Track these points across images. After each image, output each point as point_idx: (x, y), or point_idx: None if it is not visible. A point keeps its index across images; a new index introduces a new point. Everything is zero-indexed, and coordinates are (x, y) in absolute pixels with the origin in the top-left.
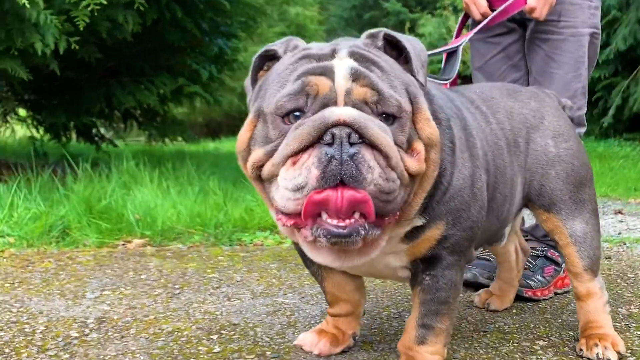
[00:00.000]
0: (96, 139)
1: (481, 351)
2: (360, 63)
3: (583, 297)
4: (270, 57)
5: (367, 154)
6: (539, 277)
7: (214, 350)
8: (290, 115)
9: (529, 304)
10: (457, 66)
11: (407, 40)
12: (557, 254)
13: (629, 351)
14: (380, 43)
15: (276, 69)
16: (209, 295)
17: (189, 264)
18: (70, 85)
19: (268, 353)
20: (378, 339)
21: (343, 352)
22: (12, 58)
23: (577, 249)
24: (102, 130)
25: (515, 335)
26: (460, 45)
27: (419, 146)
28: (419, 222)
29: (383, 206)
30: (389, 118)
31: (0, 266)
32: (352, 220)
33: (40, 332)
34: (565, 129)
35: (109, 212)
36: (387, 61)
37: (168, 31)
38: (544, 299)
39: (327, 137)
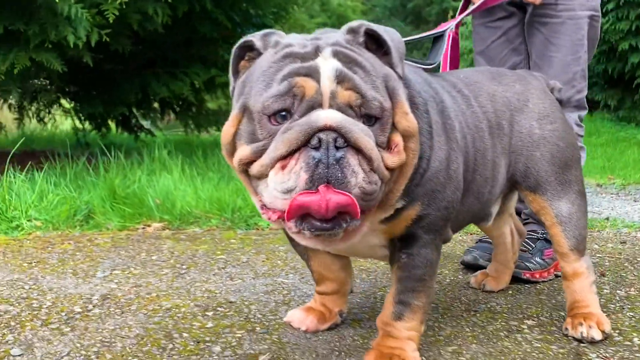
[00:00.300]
0: (135, 129)
1: (467, 329)
2: (344, 64)
3: (569, 277)
4: (250, 48)
5: (352, 159)
6: (538, 260)
7: (207, 326)
8: (277, 115)
9: (526, 285)
10: (443, 51)
11: (387, 33)
12: None
13: (617, 331)
14: (361, 39)
15: (260, 65)
16: (213, 275)
17: (201, 246)
18: (106, 76)
19: (258, 329)
20: (367, 317)
21: (330, 328)
22: (47, 51)
23: (563, 229)
24: (142, 121)
25: (505, 314)
26: (446, 30)
27: (396, 138)
28: (399, 204)
29: (365, 204)
30: (371, 119)
31: (23, 247)
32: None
33: (47, 308)
34: (551, 111)
35: (132, 197)
36: (369, 59)
37: (200, 23)
38: (543, 281)
39: (314, 142)
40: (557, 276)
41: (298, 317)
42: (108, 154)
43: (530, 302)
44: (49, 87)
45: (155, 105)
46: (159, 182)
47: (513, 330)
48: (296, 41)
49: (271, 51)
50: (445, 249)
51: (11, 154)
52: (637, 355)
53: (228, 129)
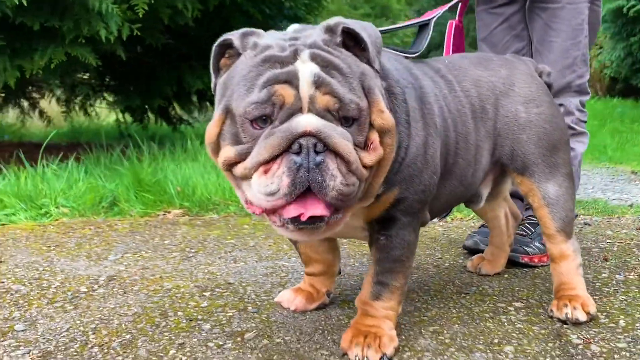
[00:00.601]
0: (174, 120)
1: (454, 310)
2: (322, 67)
3: (556, 259)
4: (229, 46)
5: (330, 163)
6: (537, 244)
7: (201, 305)
8: (258, 120)
9: (524, 269)
10: (427, 39)
11: (364, 30)
12: None
13: (605, 313)
14: (339, 39)
15: (240, 68)
16: (219, 258)
17: (213, 231)
18: (143, 70)
19: (250, 308)
20: (355, 297)
21: (318, 308)
22: (81, 46)
23: (550, 211)
24: (180, 113)
25: (494, 297)
26: (432, 18)
27: (372, 136)
28: (379, 191)
29: (343, 204)
30: (349, 120)
31: (46, 232)
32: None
33: (55, 287)
34: (537, 94)
35: (154, 185)
36: (346, 59)
37: (231, 16)
38: (542, 266)
39: (295, 147)
40: None
41: (287, 298)
42: (142, 144)
43: (523, 285)
44: (91, 81)
45: (193, 97)
46: (183, 171)
47: (499, 312)
48: (275, 42)
49: (250, 53)
50: (452, 235)
51: (43, 145)
52: (619, 337)
53: (212, 129)
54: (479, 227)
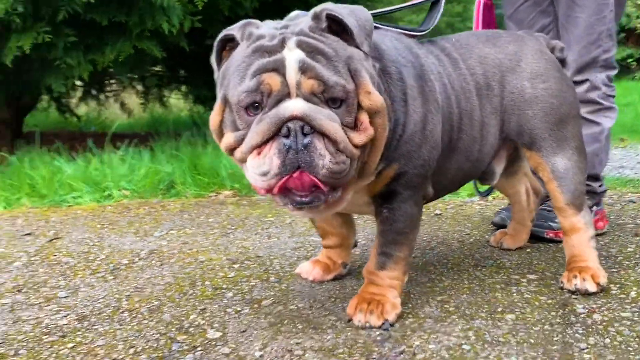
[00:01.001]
0: None
1: (466, 282)
2: (307, 53)
3: (567, 232)
4: (231, 40)
5: (318, 143)
6: None
7: (229, 276)
8: (250, 107)
9: (549, 244)
10: (438, 18)
11: (350, 15)
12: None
13: (618, 285)
14: (324, 24)
15: (235, 59)
16: (255, 234)
17: (256, 210)
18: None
19: (272, 278)
20: None
21: (335, 278)
22: (147, 39)
23: (558, 184)
24: None
25: (510, 269)
26: None
27: (362, 116)
28: (379, 168)
29: (336, 181)
30: (336, 102)
31: (104, 212)
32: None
33: (100, 260)
34: (545, 70)
35: (209, 169)
36: (332, 44)
37: (291, 4)
38: None
39: (284, 131)
40: None
41: (306, 269)
42: (206, 132)
43: (542, 259)
44: (162, 73)
45: None
46: None
47: (511, 283)
48: (267, 31)
49: (244, 44)
50: (487, 212)
51: (110, 134)
52: (626, 307)
53: (214, 117)
54: (508, 204)
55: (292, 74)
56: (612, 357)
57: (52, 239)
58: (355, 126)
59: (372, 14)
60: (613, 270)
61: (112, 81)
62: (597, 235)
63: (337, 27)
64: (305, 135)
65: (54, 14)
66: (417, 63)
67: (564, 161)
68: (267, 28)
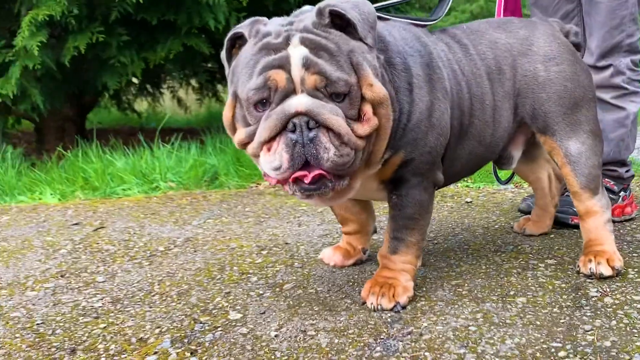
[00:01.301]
0: None
1: (483, 266)
2: (310, 50)
3: (583, 216)
4: (240, 37)
5: (323, 137)
6: None
7: (256, 261)
8: (259, 104)
9: (574, 230)
10: (448, 6)
11: (353, 9)
12: (611, 183)
13: (636, 269)
14: (327, 20)
15: (243, 57)
16: (286, 222)
17: (291, 200)
18: None
19: (296, 264)
20: None
21: (356, 263)
22: (196, 36)
23: (572, 169)
24: None
25: (530, 255)
26: None
27: (365, 107)
28: (386, 156)
29: (343, 172)
30: (339, 96)
31: (148, 203)
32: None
33: (138, 247)
34: (558, 53)
35: (251, 161)
36: (334, 39)
37: None
38: None
39: (290, 126)
40: (612, 221)
41: (328, 255)
42: None
43: (563, 244)
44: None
45: None
46: None
47: (528, 268)
48: (274, 29)
49: (252, 42)
50: (518, 200)
51: (159, 129)
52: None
53: (226, 113)
54: None
55: (297, 71)
56: (615, 339)
57: (97, 228)
58: (359, 117)
59: (381, 5)
60: (634, 254)
61: (168, 78)
62: (625, 220)
63: (340, 21)
64: (310, 129)
65: (107, 15)
66: (425, 52)
67: (577, 145)
68: (274, 25)
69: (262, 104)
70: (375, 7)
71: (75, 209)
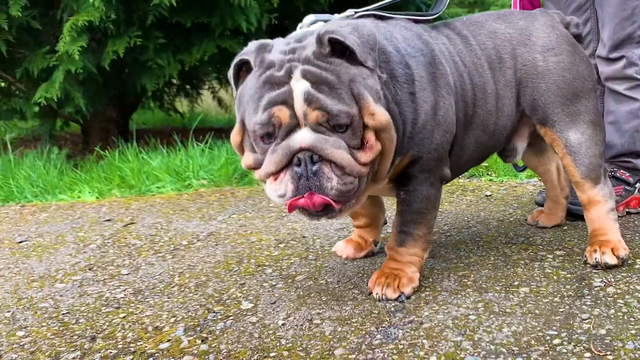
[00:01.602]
0: None
1: (491, 258)
2: (312, 84)
3: (586, 206)
4: (246, 63)
5: (326, 169)
6: None
7: (273, 254)
8: (265, 136)
9: None
10: (447, 2)
11: (352, 33)
12: (627, 174)
13: None
14: (327, 49)
15: (248, 87)
16: None
17: None
18: None
19: (310, 256)
20: None
21: (367, 256)
22: (230, 38)
23: (573, 159)
24: None
25: (540, 246)
26: None
27: (368, 135)
28: (396, 161)
29: (346, 199)
30: (342, 127)
31: (179, 200)
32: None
33: (163, 242)
34: (557, 43)
35: None
36: (335, 69)
37: None
38: None
39: (295, 160)
40: (628, 213)
41: (340, 247)
42: None
43: (575, 236)
44: None
45: None
46: None
47: (537, 259)
48: (277, 58)
49: (256, 72)
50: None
51: (192, 128)
52: None
53: (235, 137)
54: None
55: (299, 106)
56: (611, 327)
57: (127, 224)
58: (362, 145)
59: (381, 5)
60: None
61: (208, 79)
62: None
63: (340, 47)
64: (314, 163)
65: (144, 19)
66: (427, 49)
67: (577, 135)
68: (277, 53)
69: (268, 136)
70: (376, 7)
71: (110, 206)
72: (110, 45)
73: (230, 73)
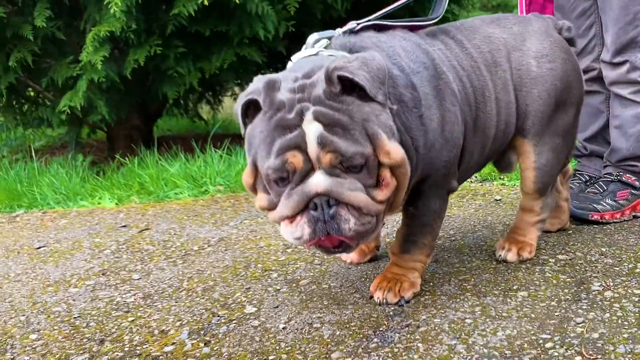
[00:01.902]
0: None
1: (494, 262)
2: (325, 126)
3: (524, 209)
4: (255, 103)
5: (342, 212)
6: (609, 201)
7: (280, 259)
8: (278, 180)
9: (594, 226)
10: (445, 5)
11: (361, 68)
12: (633, 178)
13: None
14: (338, 88)
15: (259, 130)
16: None
17: None
18: None
19: (316, 261)
20: None
21: (370, 260)
22: (248, 46)
23: (535, 175)
24: None
25: (542, 250)
26: None
27: (383, 172)
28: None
29: (363, 238)
30: (357, 167)
31: (194, 206)
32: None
33: (174, 247)
34: (551, 50)
35: None
36: (347, 109)
37: (386, 2)
38: (615, 222)
39: (311, 205)
40: (635, 217)
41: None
42: None
43: (579, 240)
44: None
45: None
46: None
47: (538, 263)
48: (286, 98)
49: (266, 114)
50: None
51: (211, 134)
52: None
53: (247, 179)
54: None
55: (313, 150)
56: (604, 331)
57: (142, 230)
58: (377, 183)
59: (380, 14)
60: None
61: (230, 86)
62: None
63: (350, 83)
64: (330, 206)
65: (164, 28)
66: (429, 61)
67: (547, 154)
68: (286, 92)
69: (282, 180)
70: (377, 16)
71: (127, 212)
72: (131, 54)
73: (238, 112)
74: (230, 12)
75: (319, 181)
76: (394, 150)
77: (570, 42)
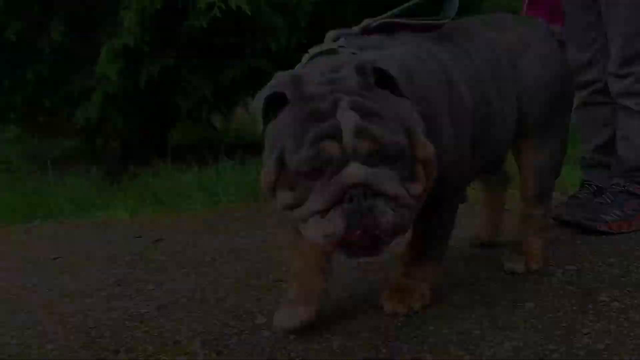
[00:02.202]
0: None
1: (501, 273)
2: (361, 115)
3: (524, 219)
4: (282, 96)
5: (380, 204)
6: (617, 212)
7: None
8: (310, 173)
9: (602, 236)
10: (456, 6)
11: (394, 64)
12: None
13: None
14: (372, 80)
15: (288, 122)
16: None
17: None
18: None
19: None
20: None
21: (381, 270)
22: (259, 57)
23: (534, 179)
24: None
25: (551, 260)
26: None
27: (416, 167)
28: None
29: (399, 232)
30: (392, 158)
31: (208, 216)
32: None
33: (186, 257)
34: (552, 54)
35: None
36: (382, 100)
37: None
38: (622, 233)
39: (347, 197)
40: None
41: None
42: None
43: (587, 251)
44: None
45: None
46: None
47: (547, 274)
48: (317, 91)
49: (295, 106)
50: None
51: (223, 145)
52: None
53: (269, 176)
54: (569, 196)
55: (349, 139)
56: (609, 342)
57: (156, 241)
58: (411, 178)
59: (393, 13)
60: None
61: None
62: None
63: (383, 78)
64: (366, 198)
65: (177, 41)
66: (439, 66)
67: (548, 158)
68: (316, 86)
69: (313, 172)
70: (391, 14)
71: (141, 224)
72: (145, 66)
73: (259, 107)
74: (242, 25)
75: (355, 171)
76: (428, 144)
77: (561, 45)
